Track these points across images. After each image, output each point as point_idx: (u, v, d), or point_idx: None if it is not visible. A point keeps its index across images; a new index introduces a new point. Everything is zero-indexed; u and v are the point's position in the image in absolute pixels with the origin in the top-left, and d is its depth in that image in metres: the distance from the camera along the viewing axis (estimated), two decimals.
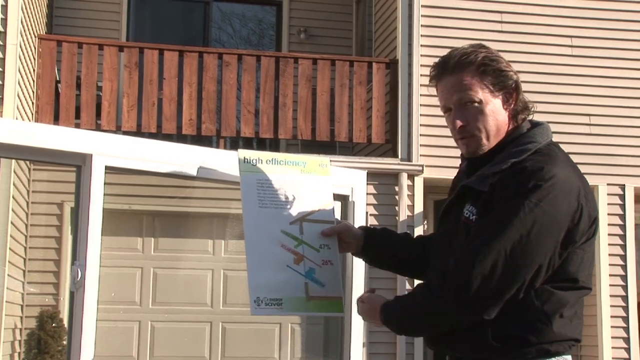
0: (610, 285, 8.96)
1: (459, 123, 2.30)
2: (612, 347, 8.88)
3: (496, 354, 2.17)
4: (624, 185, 9.19)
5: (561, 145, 2.32)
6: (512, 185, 2.15)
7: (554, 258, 2.15)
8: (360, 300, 2.50)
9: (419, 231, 8.59)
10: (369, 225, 2.95)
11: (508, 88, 2.29)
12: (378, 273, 6.31)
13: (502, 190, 2.17)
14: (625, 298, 9.00)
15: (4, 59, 7.25)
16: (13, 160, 6.85)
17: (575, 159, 2.34)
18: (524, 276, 2.12)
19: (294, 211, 2.69)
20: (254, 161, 2.73)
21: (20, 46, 7.44)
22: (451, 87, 2.31)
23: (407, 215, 8.71)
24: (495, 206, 2.17)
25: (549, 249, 2.13)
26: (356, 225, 2.95)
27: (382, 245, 2.66)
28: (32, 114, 8.32)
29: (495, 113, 2.29)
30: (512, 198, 2.14)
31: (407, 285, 8.23)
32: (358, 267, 3.35)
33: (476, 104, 2.28)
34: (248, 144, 9.69)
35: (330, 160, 2.95)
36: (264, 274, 2.57)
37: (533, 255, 2.12)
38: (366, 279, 3.46)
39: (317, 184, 2.78)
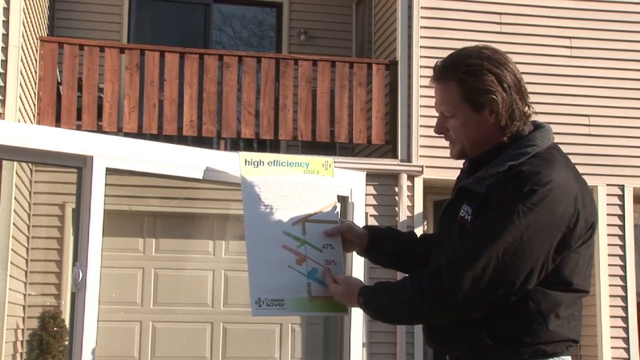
0: (609, 285, 8.97)
1: (438, 130, 2.37)
2: (612, 348, 8.89)
3: (492, 354, 2.18)
4: (623, 185, 9.21)
5: (560, 147, 2.32)
6: (508, 188, 2.16)
7: (547, 262, 2.15)
8: (334, 281, 2.51)
9: (418, 232, 8.60)
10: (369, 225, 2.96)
11: (487, 104, 2.26)
12: (378, 272, 6.33)
13: (499, 193, 2.17)
14: (624, 298, 9.02)
15: (6, 61, 7.27)
16: (15, 162, 6.87)
17: (574, 159, 2.34)
18: (514, 279, 2.13)
19: (297, 212, 2.68)
20: (256, 163, 2.73)
21: (22, 48, 7.46)
22: (436, 94, 2.35)
23: (407, 216, 8.73)
24: (491, 208, 2.18)
25: (541, 253, 2.14)
26: None
27: (386, 245, 2.66)
28: (34, 116, 8.35)
29: (474, 126, 2.29)
30: (508, 201, 2.14)
31: None
32: (357, 265, 3.37)
33: (452, 117, 2.31)
34: (248, 145, 9.71)
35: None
36: (265, 275, 2.58)
37: (525, 258, 2.12)
38: (366, 277, 3.48)
39: (320, 184, 2.78)
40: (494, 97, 2.24)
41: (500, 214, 2.15)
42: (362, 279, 3.39)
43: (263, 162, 2.74)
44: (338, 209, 2.80)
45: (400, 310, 2.30)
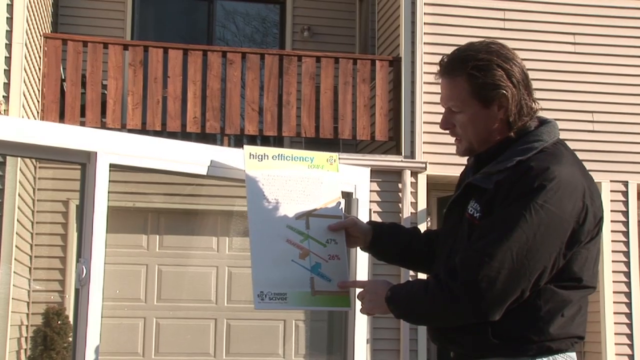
0: (613, 281, 8.97)
1: (444, 126, 2.35)
2: (616, 344, 8.89)
3: (497, 352, 2.17)
4: (627, 182, 9.20)
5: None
6: (517, 185, 2.14)
7: (559, 258, 2.14)
8: (361, 295, 2.47)
9: (422, 228, 8.60)
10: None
11: (496, 100, 2.24)
12: (382, 268, 6.34)
13: (508, 190, 2.15)
14: (628, 294, 9.01)
15: (9, 57, 7.28)
16: (19, 158, 6.88)
17: (578, 155, 2.33)
18: (529, 278, 2.12)
19: (301, 206, 2.68)
20: (260, 157, 2.73)
21: (26, 45, 7.47)
22: (443, 89, 2.33)
23: (411, 212, 8.73)
24: (501, 205, 2.16)
25: (554, 250, 2.13)
26: None
27: (390, 240, 2.64)
28: (38, 112, 8.35)
29: (482, 122, 2.27)
30: (518, 198, 2.12)
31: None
32: (362, 261, 3.37)
33: (459, 113, 2.29)
34: (252, 141, 9.71)
35: None
36: (268, 268, 2.58)
37: (539, 256, 2.11)
38: (369, 273, 3.48)
39: (324, 179, 2.78)
40: (504, 92, 2.22)
41: (511, 212, 2.13)
42: (366, 275, 3.40)
43: (267, 156, 2.74)
44: (342, 204, 2.80)
45: (417, 312, 2.28)
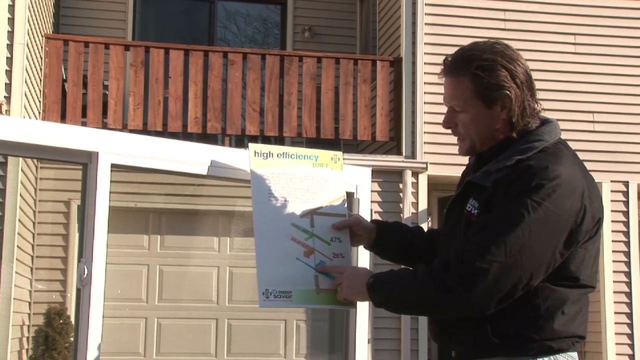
0: (614, 281, 8.97)
1: (446, 125, 2.35)
2: (616, 344, 8.90)
3: (498, 351, 2.18)
4: (628, 182, 9.20)
5: None
6: (516, 183, 2.15)
7: (555, 257, 2.14)
8: (339, 281, 2.49)
9: (423, 228, 8.60)
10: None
11: (500, 100, 2.25)
12: (384, 268, 6.30)
13: (506, 188, 2.16)
14: (629, 294, 9.02)
15: (11, 58, 7.28)
16: (20, 158, 6.89)
17: (578, 156, 2.33)
18: (522, 274, 2.12)
19: (305, 204, 2.69)
20: (265, 155, 2.74)
21: (28, 45, 7.47)
22: (446, 88, 2.33)
23: (412, 213, 8.74)
24: (498, 203, 2.17)
25: (549, 249, 2.13)
26: None
27: (394, 239, 2.65)
28: (39, 113, 8.36)
29: (484, 121, 2.28)
30: (517, 196, 2.13)
31: None
32: (363, 260, 3.37)
33: (462, 112, 2.29)
34: (253, 142, 9.69)
35: None
36: (273, 266, 2.58)
37: (533, 254, 2.11)
38: None
39: (328, 178, 2.78)
40: (508, 92, 2.23)
41: (508, 209, 2.14)
42: None
43: (272, 154, 2.75)
44: (346, 203, 2.80)
45: (408, 298, 2.27)
